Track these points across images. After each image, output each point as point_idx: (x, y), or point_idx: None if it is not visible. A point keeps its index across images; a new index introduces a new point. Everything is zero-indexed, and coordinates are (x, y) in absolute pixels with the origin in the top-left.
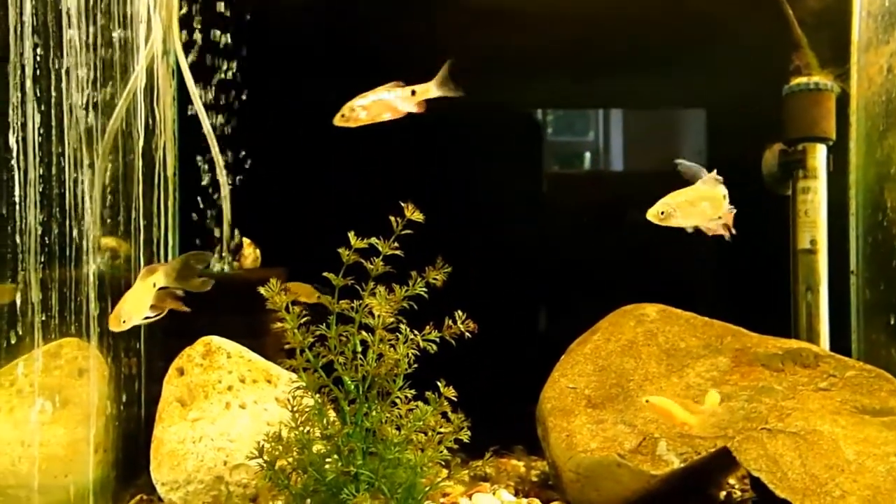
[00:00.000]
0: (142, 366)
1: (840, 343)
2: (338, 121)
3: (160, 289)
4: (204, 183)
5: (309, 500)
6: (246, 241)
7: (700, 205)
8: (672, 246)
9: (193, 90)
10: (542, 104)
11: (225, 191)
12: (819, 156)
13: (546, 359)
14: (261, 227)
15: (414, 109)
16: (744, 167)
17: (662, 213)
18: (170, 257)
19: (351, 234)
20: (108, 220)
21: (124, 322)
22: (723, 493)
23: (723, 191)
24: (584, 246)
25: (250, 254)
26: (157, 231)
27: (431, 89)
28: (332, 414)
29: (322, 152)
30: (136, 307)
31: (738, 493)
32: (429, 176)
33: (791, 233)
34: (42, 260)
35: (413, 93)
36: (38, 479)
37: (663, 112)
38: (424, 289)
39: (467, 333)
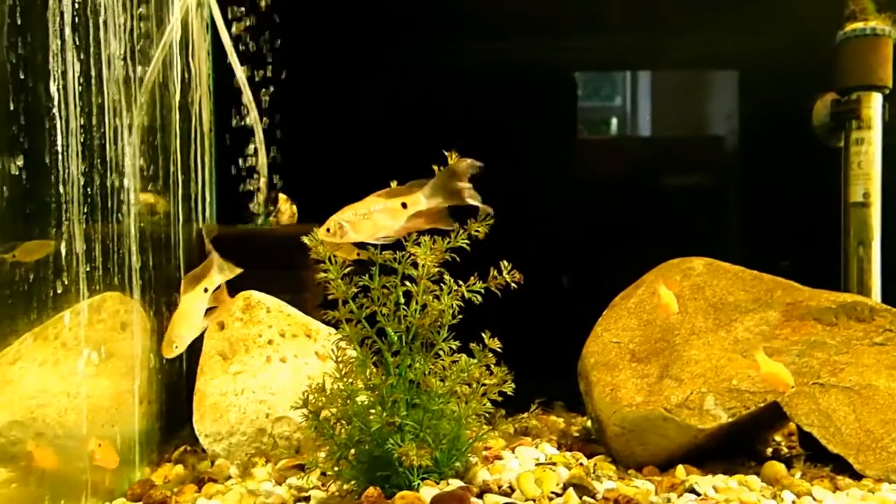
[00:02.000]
0: None
1: (893, 299)
2: (322, 234)
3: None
4: (240, 138)
5: (353, 451)
6: (282, 196)
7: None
8: (718, 202)
9: (228, 43)
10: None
11: (261, 146)
12: (874, 105)
13: (580, 317)
14: (298, 182)
15: (402, 224)
16: (785, 122)
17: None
18: (207, 213)
19: (393, 183)
20: (147, 174)
21: (177, 347)
22: (769, 450)
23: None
24: (626, 202)
25: (287, 209)
26: (194, 186)
27: (420, 200)
28: (372, 367)
29: (360, 106)
30: (188, 325)
31: (786, 450)
32: (468, 131)
33: (842, 186)
34: (85, 211)
35: (404, 205)
36: (86, 428)
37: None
38: (466, 241)
39: (513, 284)
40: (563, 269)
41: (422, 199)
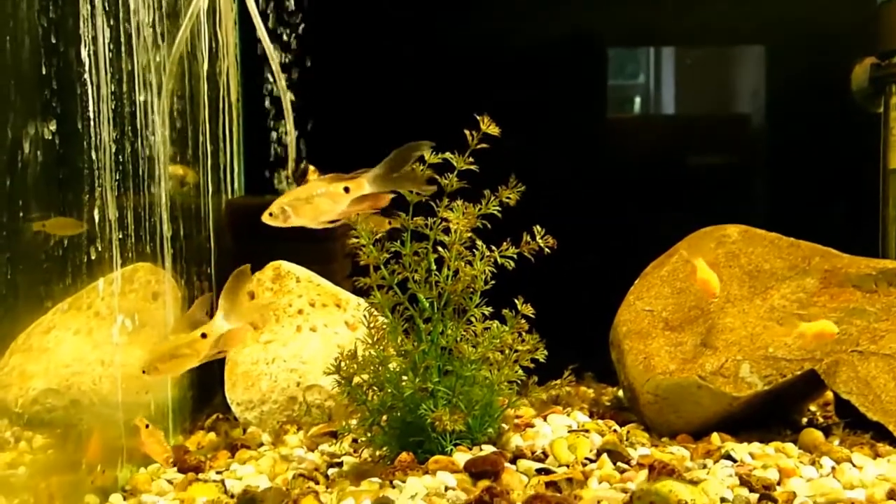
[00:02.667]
0: (213, 290)
1: None
2: (265, 219)
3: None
4: (267, 109)
5: (385, 417)
6: (311, 168)
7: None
8: (754, 168)
9: (255, 13)
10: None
11: (289, 117)
12: None
13: (606, 291)
14: (327, 154)
15: (343, 209)
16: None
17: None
18: (236, 184)
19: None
20: (177, 144)
21: (145, 373)
22: (804, 420)
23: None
24: (663, 168)
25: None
26: (223, 157)
27: (364, 184)
28: (402, 334)
29: (388, 74)
30: (165, 364)
31: (821, 420)
32: (499, 100)
33: (882, 152)
34: (116, 178)
35: (346, 189)
36: (120, 396)
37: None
38: (498, 208)
39: (546, 249)
40: (590, 244)
41: (365, 185)
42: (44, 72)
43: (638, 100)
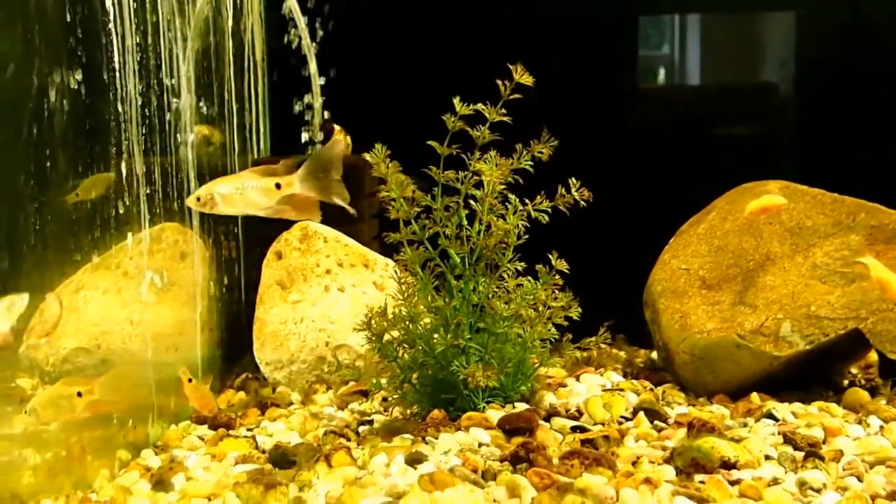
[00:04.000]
0: (241, 250)
1: None
2: (192, 203)
3: None
4: (292, 68)
5: (416, 374)
6: (336, 127)
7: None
8: (796, 127)
9: None
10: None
11: (315, 76)
12: None
13: (636, 253)
14: (352, 113)
15: (272, 205)
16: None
17: (199, 199)
18: (262, 144)
19: (456, 100)
20: (202, 101)
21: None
22: (845, 382)
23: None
24: (700, 127)
25: (341, 140)
26: (248, 116)
27: (295, 184)
28: (433, 291)
29: (415, 39)
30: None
31: (863, 381)
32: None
33: None
34: (143, 132)
35: (278, 186)
36: (150, 354)
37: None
38: (530, 162)
39: (582, 203)
40: (620, 209)
41: (296, 183)
42: (68, 19)
43: (662, 70)
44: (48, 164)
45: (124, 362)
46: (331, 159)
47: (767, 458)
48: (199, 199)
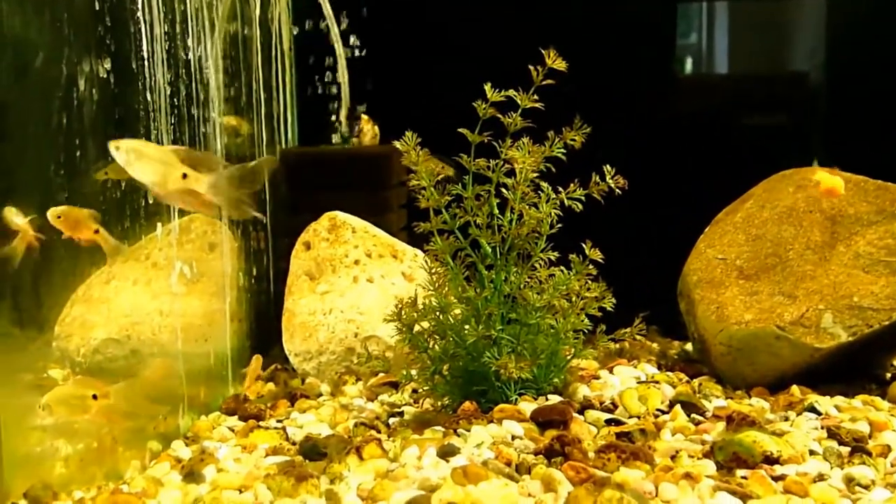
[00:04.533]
0: (269, 240)
1: None
2: (111, 147)
3: None
4: (321, 57)
5: (447, 365)
6: (364, 117)
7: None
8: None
9: None
10: None
11: (343, 66)
12: None
13: (668, 246)
14: (381, 102)
15: (171, 191)
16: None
17: (118, 148)
18: (290, 134)
19: (487, 87)
20: (230, 91)
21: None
22: (888, 375)
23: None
24: (734, 115)
25: (369, 130)
26: (276, 106)
27: (203, 183)
28: (463, 281)
29: (445, 26)
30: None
31: None
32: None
33: None
34: (172, 122)
35: (184, 176)
36: (180, 346)
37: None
38: (563, 150)
39: (617, 190)
40: (653, 198)
41: (203, 184)
42: (97, 7)
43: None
44: (78, 153)
45: (153, 354)
46: (256, 175)
47: (812, 452)
48: (118, 149)
